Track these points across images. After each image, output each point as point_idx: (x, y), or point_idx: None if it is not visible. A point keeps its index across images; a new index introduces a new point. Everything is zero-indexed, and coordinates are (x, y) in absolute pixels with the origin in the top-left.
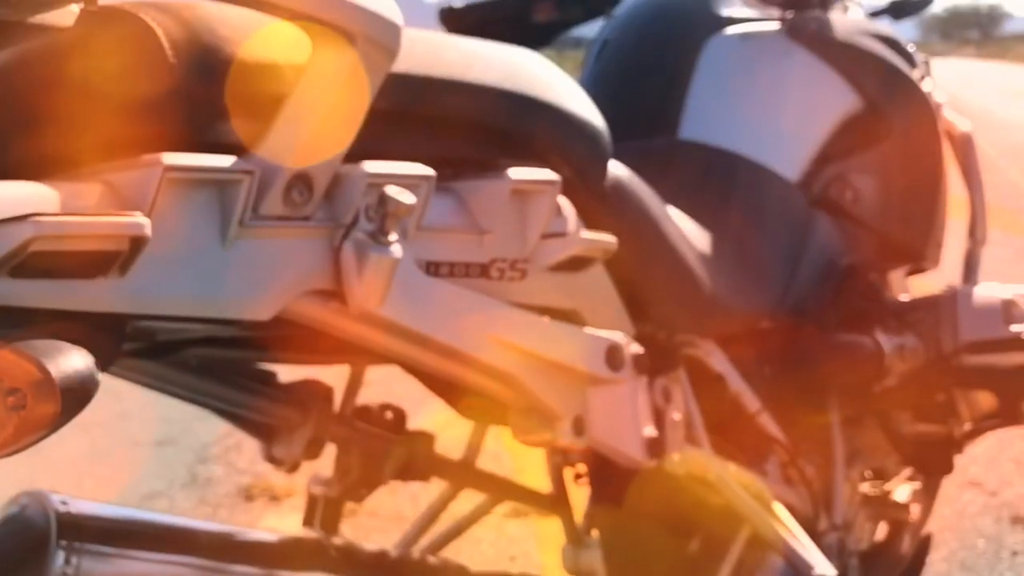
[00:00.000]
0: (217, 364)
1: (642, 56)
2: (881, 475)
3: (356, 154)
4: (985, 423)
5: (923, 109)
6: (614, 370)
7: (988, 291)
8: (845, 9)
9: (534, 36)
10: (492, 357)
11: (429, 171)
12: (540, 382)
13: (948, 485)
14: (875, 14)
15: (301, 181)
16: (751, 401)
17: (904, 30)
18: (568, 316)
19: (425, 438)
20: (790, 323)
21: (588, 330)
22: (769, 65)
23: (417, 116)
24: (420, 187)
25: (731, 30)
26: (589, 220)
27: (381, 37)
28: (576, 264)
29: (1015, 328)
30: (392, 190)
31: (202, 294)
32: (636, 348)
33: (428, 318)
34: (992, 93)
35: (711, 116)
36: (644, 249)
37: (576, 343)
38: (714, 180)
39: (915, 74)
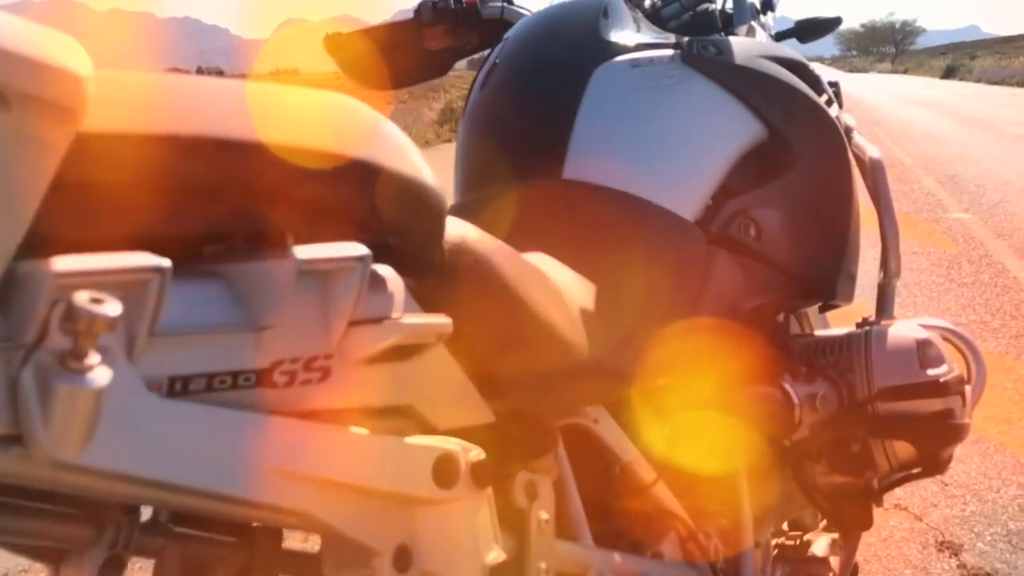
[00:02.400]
0: None
1: (528, 85)
2: (798, 526)
3: (56, 244)
4: (904, 474)
5: (830, 136)
6: (445, 488)
7: (902, 330)
8: (750, 32)
9: (427, 64)
10: (275, 496)
11: (157, 261)
12: (346, 516)
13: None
14: (781, 36)
15: None
16: (646, 471)
17: (823, 47)
18: (399, 413)
19: (271, 535)
20: (690, 376)
21: (410, 440)
22: (663, 94)
23: (162, 184)
24: (148, 283)
25: (622, 57)
26: (424, 295)
27: (48, 93)
28: (403, 352)
29: (931, 372)
30: (82, 298)
31: None
32: (476, 456)
33: (166, 459)
34: (907, 105)
35: (599, 152)
36: (499, 320)
37: (393, 460)
38: (602, 224)
39: (822, 100)
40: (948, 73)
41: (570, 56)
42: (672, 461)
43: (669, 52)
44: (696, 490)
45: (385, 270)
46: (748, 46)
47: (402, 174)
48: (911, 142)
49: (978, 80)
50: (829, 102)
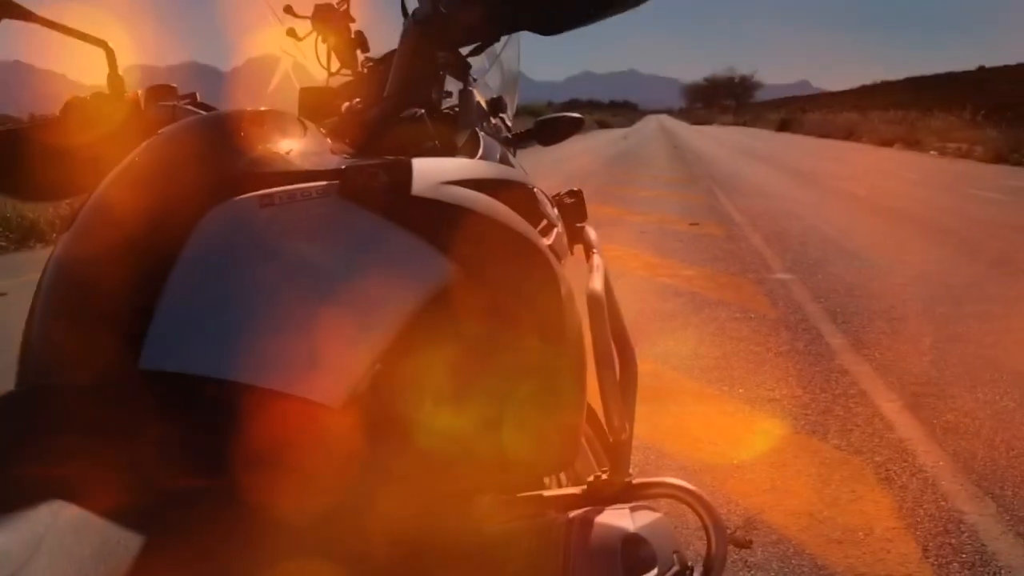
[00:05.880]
0: None
1: (117, 234)
2: None
3: None
4: None
5: (535, 271)
6: None
7: (610, 521)
8: (473, 139)
9: (87, 171)
10: None
11: None
12: None
13: None
14: (521, 138)
15: None
16: None
17: (671, 99)
18: None
19: None
20: None
21: None
22: (307, 240)
23: None
24: None
25: (253, 193)
26: None
27: None
28: None
29: None
30: None
31: None
32: None
33: None
34: (743, 158)
35: (195, 329)
36: None
37: None
38: (173, 439)
39: (539, 226)
40: (783, 126)
41: (178, 192)
42: None
43: (323, 182)
44: None
45: None
46: (436, 169)
47: None
48: (744, 197)
49: (808, 133)
50: (549, 227)
